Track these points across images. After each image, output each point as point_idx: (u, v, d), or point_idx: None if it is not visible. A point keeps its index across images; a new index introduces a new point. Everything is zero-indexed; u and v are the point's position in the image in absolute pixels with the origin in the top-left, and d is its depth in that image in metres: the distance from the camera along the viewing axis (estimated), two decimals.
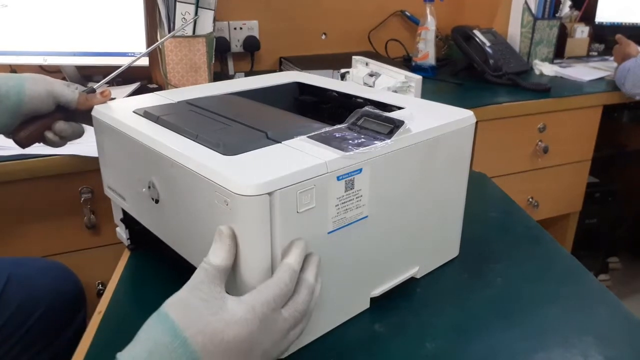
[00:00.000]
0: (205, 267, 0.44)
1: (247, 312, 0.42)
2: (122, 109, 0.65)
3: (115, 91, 1.29)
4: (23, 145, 0.68)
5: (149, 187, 0.57)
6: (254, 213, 0.44)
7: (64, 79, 1.41)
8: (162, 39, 0.87)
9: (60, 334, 0.81)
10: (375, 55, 1.67)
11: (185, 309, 0.42)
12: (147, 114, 0.61)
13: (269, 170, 0.45)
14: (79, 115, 0.69)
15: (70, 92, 0.67)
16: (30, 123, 0.67)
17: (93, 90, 0.69)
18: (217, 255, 0.45)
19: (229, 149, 0.49)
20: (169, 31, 1.24)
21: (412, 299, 0.61)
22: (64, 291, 0.85)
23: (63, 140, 0.70)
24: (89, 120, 0.68)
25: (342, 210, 0.50)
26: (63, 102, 0.66)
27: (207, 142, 0.51)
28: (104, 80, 0.72)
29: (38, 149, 0.71)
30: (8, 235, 1.02)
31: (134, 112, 0.63)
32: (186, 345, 0.40)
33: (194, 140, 0.53)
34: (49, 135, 0.68)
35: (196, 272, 0.45)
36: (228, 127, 0.57)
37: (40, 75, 0.67)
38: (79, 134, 0.71)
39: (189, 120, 0.61)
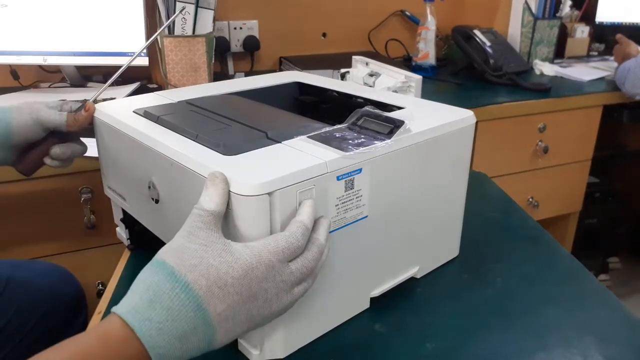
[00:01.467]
0: (199, 213, 0.42)
1: (252, 257, 0.41)
2: (122, 108, 0.65)
3: (115, 91, 1.29)
4: (26, 175, 0.68)
5: (149, 187, 0.57)
6: (254, 213, 0.44)
7: (63, 79, 1.41)
8: (155, 35, 0.86)
9: (60, 337, 0.81)
10: (375, 55, 1.67)
11: (183, 254, 0.40)
12: (147, 113, 0.61)
13: (269, 170, 0.45)
14: (74, 135, 0.68)
15: (57, 116, 0.64)
16: (29, 151, 0.67)
17: (83, 106, 0.66)
18: (212, 201, 0.43)
19: (229, 149, 0.49)
20: (169, 31, 1.24)
21: (412, 299, 0.61)
22: (63, 294, 0.85)
23: (65, 162, 0.69)
24: (88, 133, 0.67)
25: (342, 210, 0.50)
26: (51, 127, 0.65)
27: (207, 142, 0.51)
28: (102, 88, 0.71)
29: None
30: (8, 235, 1.02)
31: (134, 112, 0.63)
32: (189, 289, 0.38)
33: (193, 140, 0.53)
34: (47, 161, 0.67)
35: (188, 220, 0.43)
36: (228, 127, 0.57)
37: (26, 103, 0.65)
38: (81, 152, 0.69)
39: (188, 120, 0.61)
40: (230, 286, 0.40)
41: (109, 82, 0.72)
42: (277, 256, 0.42)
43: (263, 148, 0.51)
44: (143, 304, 0.38)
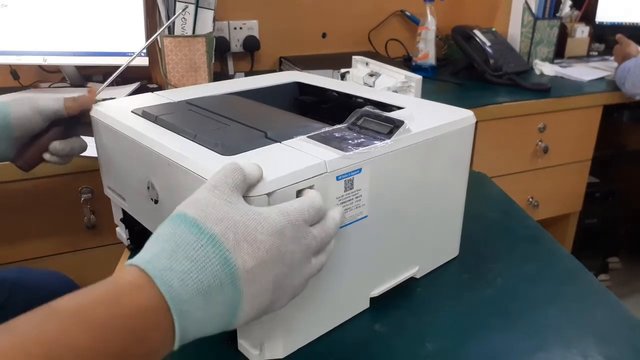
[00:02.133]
0: (233, 168, 0.40)
1: (280, 215, 0.39)
2: (120, 108, 0.65)
3: (115, 91, 1.29)
4: (25, 170, 0.68)
5: (148, 188, 0.57)
6: None
7: (63, 79, 1.41)
8: (155, 34, 0.87)
9: None
10: (375, 55, 1.67)
11: (207, 207, 0.37)
12: (145, 113, 0.61)
13: (268, 170, 0.45)
14: (77, 127, 0.68)
15: (54, 101, 0.64)
16: (29, 147, 0.66)
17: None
18: (250, 167, 0.41)
19: (227, 148, 0.49)
20: (169, 31, 1.24)
21: (412, 298, 0.61)
22: None
23: (65, 158, 0.68)
24: (89, 131, 0.67)
25: None
26: (51, 115, 0.65)
27: (206, 142, 0.51)
28: (103, 86, 0.72)
29: None
30: (8, 236, 1.02)
31: (132, 112, 0.63)
32: (215, 241, 0.35)
33: (192, 140, 0.53)
34: (47, 156, 0.67)
35: (217, 174, 0.40)
36: (227, 127, 0.57)
37: (23, 94, 0.65)
38: (81, 149, 0.69)
39: (187, 120, 0.61)
40: (260, 242, 0.37)
41: (110, 79, 0.72)
42: (301, 215, 0.40)
43: (262, 148, 0.51)
44: (164, 254, 0.35)
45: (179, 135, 0.54)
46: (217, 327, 0.37)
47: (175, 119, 0.59)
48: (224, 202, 0.38)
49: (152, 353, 0.34)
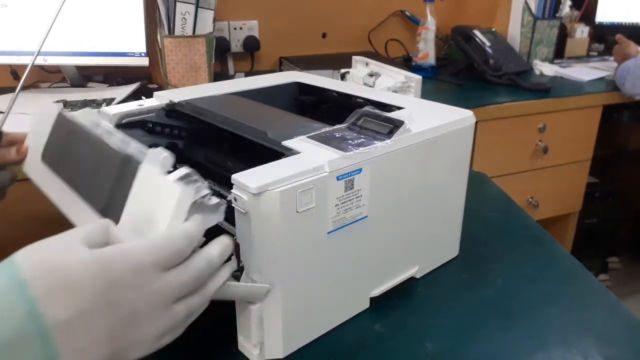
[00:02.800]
0: (100, 223, 0.36)
1: (115, 254, 0.34)
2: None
3: (116, 91, 1.30)
4: None
5: None
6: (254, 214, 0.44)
7: (63, 79, 1.41)
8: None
9: None
10: (375, 55, 1.67)
11: (40, 248, 0.34)
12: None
13: (269, 171, 0.45)
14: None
15: None
16: None
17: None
18: (118, 230, 0.37)
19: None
20: (169, 31, 1.24)
21: (412, 298, 0.61)
22: None
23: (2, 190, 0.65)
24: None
25: (341, 210, 0.50)
26: None
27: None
28: (6, 115, 0.68)
29: None
30: (7, 237, 1.02)
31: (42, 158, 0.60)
32: (23, 288, 0.31)
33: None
34: None
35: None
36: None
37: None
38: (12, 181, 0.66)
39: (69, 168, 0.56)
40: (80, 289, 0.32)
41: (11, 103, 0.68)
42: (149, 257, 0.35)
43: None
44: None
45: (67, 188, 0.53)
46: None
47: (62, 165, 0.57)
48: (61, 245, 0.34)
49: None
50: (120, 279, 0.33)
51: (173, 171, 0.42)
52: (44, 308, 0.31)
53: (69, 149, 0.55)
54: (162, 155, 0.44)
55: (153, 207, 0.41)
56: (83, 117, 0.56)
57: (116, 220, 0.43)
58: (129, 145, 0.47)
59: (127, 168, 0.45)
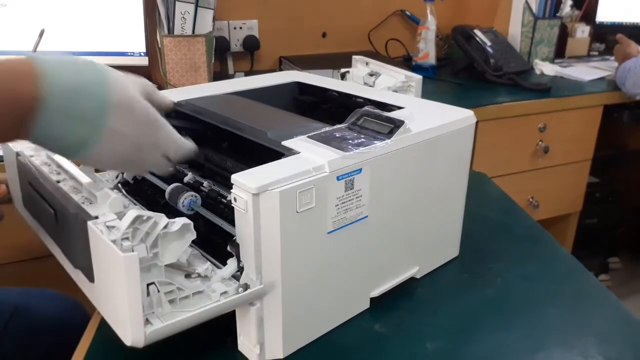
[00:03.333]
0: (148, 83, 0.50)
1: (149, 110, 0.46)
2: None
3: None
4: None
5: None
6: (255, 214, 0.44)
7: None
8: None
9: None
10: (375, 55, 1.67)
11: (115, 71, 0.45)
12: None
13: (269, 171, 0.45)
14: None
15: None
16: None
17: None
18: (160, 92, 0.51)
19: None
20: (169, 30, 1.24)
21: (412, 299, 0.61)
22: (71, 323, 0.83)
23: None
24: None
25: (342, 210, 0.50)
26: None
27: None
28: None
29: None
30: (6, 238, 1.02)
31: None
32: (103, 71, 0.42)
33: None
34: None
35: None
36: None
37: None
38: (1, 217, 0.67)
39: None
40: (136, 114, 0.44)
41: None
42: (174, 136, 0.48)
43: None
44: (54, 57, 0.41)
45: None
46: (76, 132, 0.41)
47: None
48: (137, 88, 0.47)
49: (18, 104, 0.39)
50: (156, 124, 0.46)
51: (125, 213, 0.41)
52: (112, 94, 0.42)
53: (35, 200, 0.55)
54: (110, 198, 0.44)
55: (111, 272, 0.41)
56: (37, 158, 0.57)
57: (91, 279, 0.45)
58: (79, 191, 0.48)
59: (78, 227, 0.44)
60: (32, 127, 0.39)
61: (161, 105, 0.52)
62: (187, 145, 0.50)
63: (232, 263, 0.49)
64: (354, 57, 0.91)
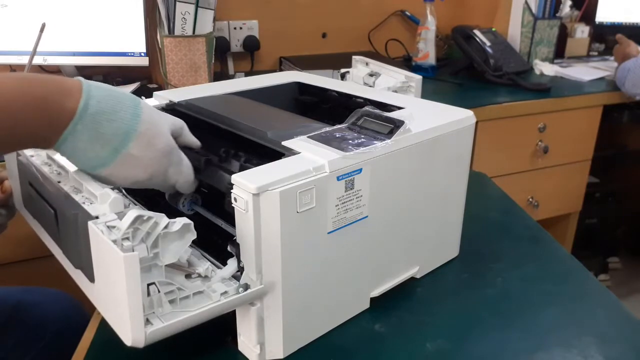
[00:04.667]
0: (180, 122, 0.52)
1: (172, 146, 0.49)
2: None
3: None
4: None
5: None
6: (255, 213, 0.44)
7: None
8: None
9: None
10: (375, 55, 1.67)
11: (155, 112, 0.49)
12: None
13: (269, 171, 0.45)
14: None
15: None
16: None
17: None
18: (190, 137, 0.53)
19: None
20: (169, 31, 1.24)
21: (412, 299, 0.61)
22: (73, 320, 0.83)
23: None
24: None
25: (342, 210, 0.50)
26: None
27: None
28: None
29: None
30: (7, 238, 1.02)
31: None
32: (137, 103, 0.46)
33: None
34: None
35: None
36: None
37: None
38: (7, 219, 0.66)
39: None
40: (159, 146, 0.47)
41: None
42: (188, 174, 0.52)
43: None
44: (100, 83, 0.45)
45: None
46: (98, 152, 0.44)
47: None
48: (166, 123, 0.49)
49: (58, 114, 0.42)
50: (171, 160, 0.49)
51: (125, 213, 0.41)
52: (141, 124, 0.46)
53: (36, 201, 0.55)
54: (111, 198, 0.44)
55: (111, 272, 0.41)
56: (37, 158, 0.57)
57: (92, 279, 0.45)
58: (80, 191, 0.48)
59: (78, 227, 0.44)
60: (60, 137, 0.43)
61: (187, 144, 0.54)
62: (194, 183, 0.53)
63: (232, 263, 0.49)
64: (353, 57, 0.91)
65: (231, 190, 0.45)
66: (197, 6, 1.24)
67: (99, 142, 0.44)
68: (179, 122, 0.53)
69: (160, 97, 0.71)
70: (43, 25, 0.64)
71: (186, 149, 0.53)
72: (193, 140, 0.55)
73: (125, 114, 0.45)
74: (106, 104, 0.44)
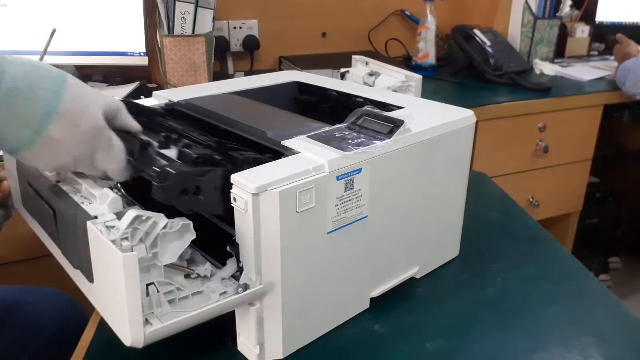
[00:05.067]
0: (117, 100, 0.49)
1: (102, 127, 0.46)
2: None
3: (115, 91, 1.29)
4: None
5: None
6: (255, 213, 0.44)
7: None
8: None
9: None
10: (375, 55, 1.67)
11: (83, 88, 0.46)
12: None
13: (268, 170, 0.45)
14: None
15: None
16: None
17: None
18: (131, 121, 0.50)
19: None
20: (169, 30, 1.24)
21: (412, 299, 0.61)
22: (70, 320, 0.83)
23: None
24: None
25: (342, 211, 0.50)
26: None
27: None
28: None
29: None
30: (6, 238, 1.02)
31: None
32: (63, 76, 0.44)
33: None
34: None
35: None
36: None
37: None
38: (5, 219, 0.67)
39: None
40: (84, 126, 0.44)
41: None
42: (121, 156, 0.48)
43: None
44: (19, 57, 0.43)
45: None
46: (17, 133, 0.42)
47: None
48: (95, 98, 0.46)
49: None
50: (99, 144, 0.46)
51: (124, 213, 0.41)
52: (64, 103, 0.43)
53: (35, 201, 0.55)
54: (110, 198, 0.44)
55: (110, 272, 0.41)
56: None
57: (91, 279, 0.45)
58: (79, 191, 0.48)
59: (78, 227, 0.44)
60: None
61: (125, 127, 0.51)
62: (127, 172, 0.49)
63: (232, 263, 0.49)
64: (354, 57, 0.91)
65: (157, 180, 0.44)
66: (196, 6, 1.24)
67: (16, 123, 0.41)
68: (116, 103, 0.49)
69: (160, 97, 0.71)
70: (54, 31, 0.63)
71: (125, 133, 0.50)
72: (132, 124, 0.51)
73: (45, 93, 0.42)
74: (22, 82, 0.41)
